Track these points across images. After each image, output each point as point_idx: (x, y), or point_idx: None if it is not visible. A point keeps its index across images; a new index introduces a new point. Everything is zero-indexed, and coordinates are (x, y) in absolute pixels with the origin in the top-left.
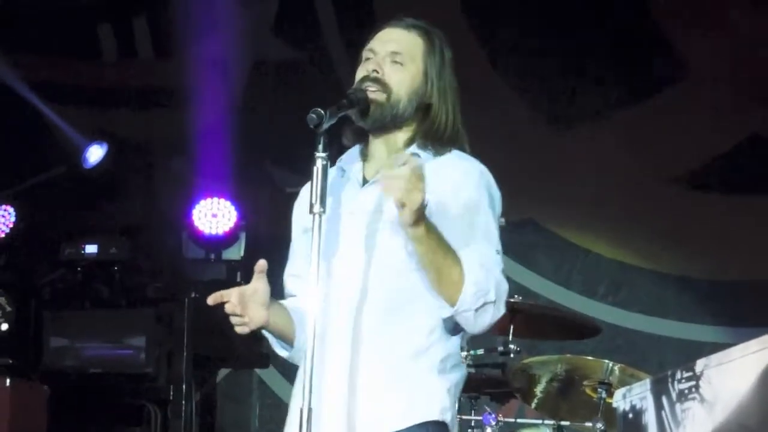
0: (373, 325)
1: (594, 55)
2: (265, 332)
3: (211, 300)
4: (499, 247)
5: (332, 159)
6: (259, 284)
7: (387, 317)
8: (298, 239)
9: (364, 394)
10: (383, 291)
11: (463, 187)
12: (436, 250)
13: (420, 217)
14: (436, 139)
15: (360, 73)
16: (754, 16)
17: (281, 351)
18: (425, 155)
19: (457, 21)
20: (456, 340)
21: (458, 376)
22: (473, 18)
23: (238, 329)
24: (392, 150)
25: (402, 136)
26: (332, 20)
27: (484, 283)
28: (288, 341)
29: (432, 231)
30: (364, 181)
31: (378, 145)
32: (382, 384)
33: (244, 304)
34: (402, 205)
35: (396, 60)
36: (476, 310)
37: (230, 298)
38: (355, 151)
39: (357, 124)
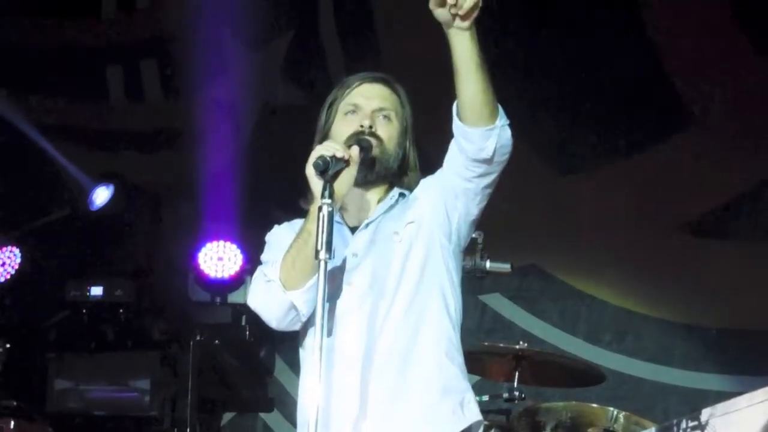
0: (387, 350)
1: (600, 104)
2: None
3: None
4: None
5: None
6: None
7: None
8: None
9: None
10: (393, 331)
11: (430, 187)
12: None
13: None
14: (407, 179)
15: (349, 127)
16: (760, 63)
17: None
18: (408, 194)
19: None
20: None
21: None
22: None
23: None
24: (372, 197)
25: (381, 185)
26: (340, 63)
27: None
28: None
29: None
30: (351, 228)
31: (357, 194)
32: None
33: None
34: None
35: (384, 116)
36: (503, 126)
37: None
38: None
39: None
